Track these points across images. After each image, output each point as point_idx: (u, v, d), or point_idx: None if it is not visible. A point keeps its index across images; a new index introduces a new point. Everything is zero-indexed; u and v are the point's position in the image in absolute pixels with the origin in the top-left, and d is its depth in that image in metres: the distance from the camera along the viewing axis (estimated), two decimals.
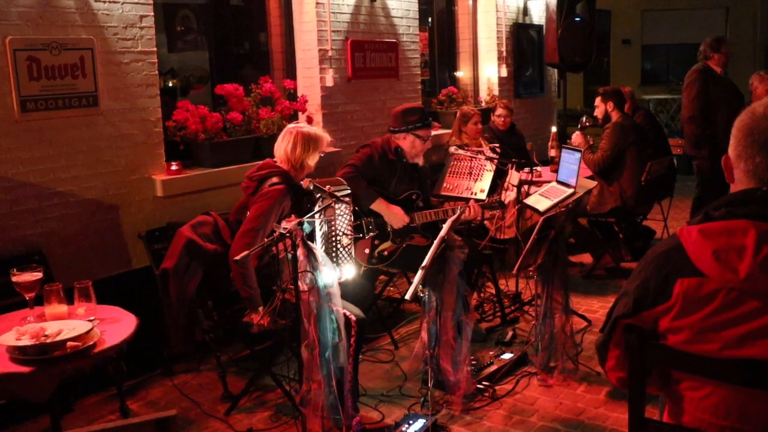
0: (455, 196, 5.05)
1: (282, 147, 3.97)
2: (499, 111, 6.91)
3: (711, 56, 6.50)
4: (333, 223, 3.74)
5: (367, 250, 4.60)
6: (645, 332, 1.97)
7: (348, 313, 3.51)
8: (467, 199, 5.10)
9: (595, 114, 6.27)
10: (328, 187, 3.74)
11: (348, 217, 3.83)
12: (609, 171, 5.99)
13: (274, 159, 4.02)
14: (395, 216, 4.59)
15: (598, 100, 6.21)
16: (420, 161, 4.79)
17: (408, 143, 4.67)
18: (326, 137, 4.08)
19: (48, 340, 2.78)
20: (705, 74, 6.42)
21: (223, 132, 5.05)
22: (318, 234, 3.68)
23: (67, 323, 2.96)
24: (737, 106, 6.00)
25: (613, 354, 2.08)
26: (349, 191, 3.93)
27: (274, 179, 3.86)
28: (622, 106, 6.18)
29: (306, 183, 3.69)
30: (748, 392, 1.84)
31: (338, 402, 3.35)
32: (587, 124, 6.41)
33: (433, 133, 4.77)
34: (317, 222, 3.63)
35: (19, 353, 2.75)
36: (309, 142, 3.96)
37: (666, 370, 2.01)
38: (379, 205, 4.56)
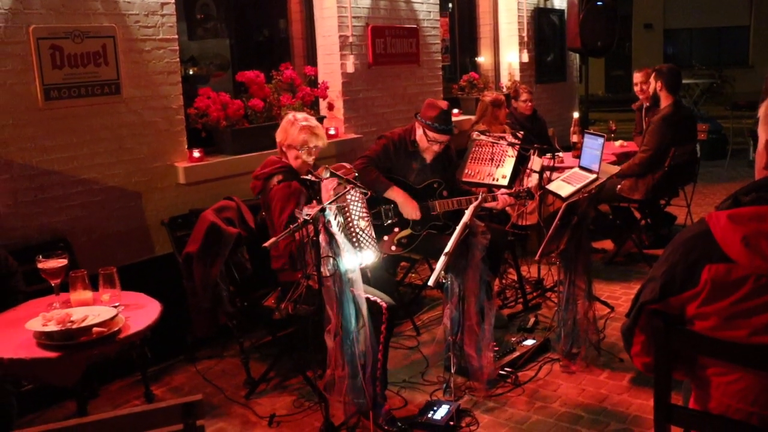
0: (477, 182, 5.02)
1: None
2: (525, 96, 6.93)
3: None
4: (347, 209, 3.72)
5: (386, 237, 4.59)
6: (671, 318, 1.95)
7: (379, 300, 3.51)
8: (490, 186, 5.08)
9: (641, 89, 6.27)
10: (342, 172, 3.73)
11: (360, 202, 3.81)
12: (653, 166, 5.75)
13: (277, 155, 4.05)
14: (408, 207, 4.56)
15: (651, 77, 6.02)
16: (428, 157, 4.69)
17: (419, 135, 4.64)
18: (307, 128, 3.93)
19: (74, 326, 2.80)
20: None
21: (245, 119, 5.06)
22: (333, 223, 3.66)
23: (92, 309, 2.99)
24: None
25: (639, 339, 2.07)
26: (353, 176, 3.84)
27: (278, 177, 3.87)
28: (675, 90, 5.82)
29: (321, 170, 3.68)
30: None
31: (363, 387, 3.35)
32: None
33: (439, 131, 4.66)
34: (331, 211, 3.58)
35: (45, 339, 2.78)
36: (285, 127, 3.96)
37: (692, 356, 1.99)
38: (392, 194, 4.55)
